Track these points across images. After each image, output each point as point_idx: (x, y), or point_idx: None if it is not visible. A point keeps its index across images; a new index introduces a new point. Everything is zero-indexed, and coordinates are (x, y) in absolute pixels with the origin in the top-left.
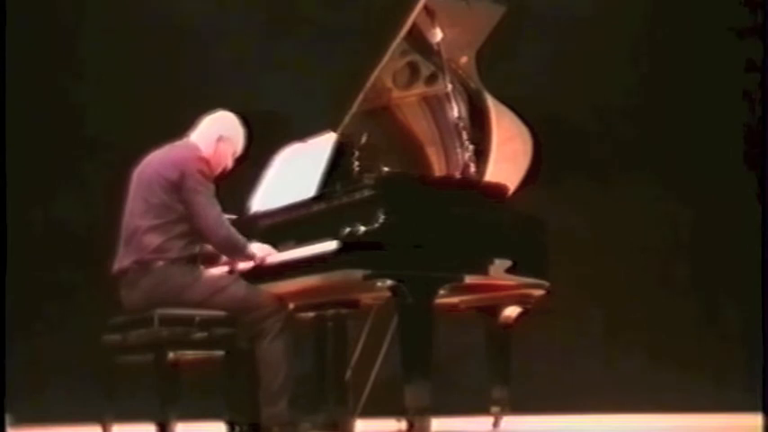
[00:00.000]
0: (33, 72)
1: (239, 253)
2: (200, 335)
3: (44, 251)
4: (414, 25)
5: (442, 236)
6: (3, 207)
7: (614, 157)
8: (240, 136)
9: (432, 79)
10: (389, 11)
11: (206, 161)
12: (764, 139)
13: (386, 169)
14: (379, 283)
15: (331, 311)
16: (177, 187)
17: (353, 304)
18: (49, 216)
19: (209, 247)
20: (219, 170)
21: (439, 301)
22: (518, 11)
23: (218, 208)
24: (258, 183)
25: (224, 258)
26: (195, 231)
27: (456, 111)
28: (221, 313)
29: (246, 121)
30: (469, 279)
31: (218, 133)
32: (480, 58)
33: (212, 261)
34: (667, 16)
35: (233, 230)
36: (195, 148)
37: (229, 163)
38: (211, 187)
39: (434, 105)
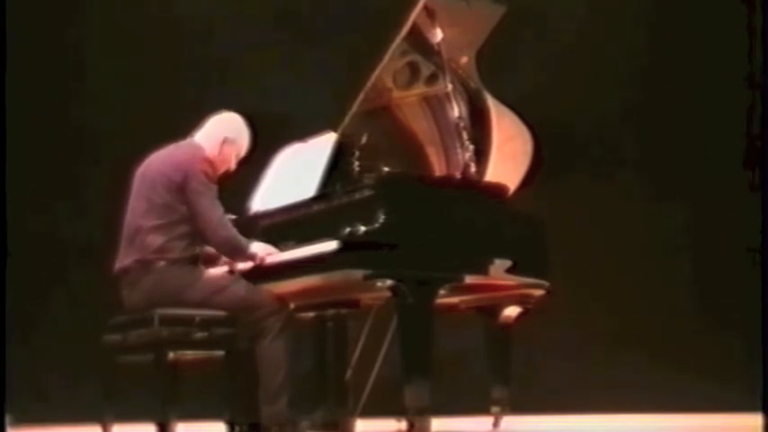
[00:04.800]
0: (34, 72)
1: (240, 254)
2: (200, 335)
3: (44, 251)
4: (414, 25)
5: (442, 236)
6: (3, 207)
7: (614, 156)
8: (245, 138)
9: (432, 79)
10: (389, 11)
11: (210, 162)
12: (765, 136)
13: (386, 169)
14: (379, 283)
15: (331, 311)
16: (180, 188)
17: (353, 304)
18: (49, 216)
19: (208, 248)
20: (222, 171)
21: (439, 301)
22: (517, 11)
23: (220, 209)
24: (258, 183)
25: (224, 259)
26: (197, 232)
27: (456, 111)
28: (221, 313)
29: (252, 123)
30: (469, 279)
31: (223, 135)
32: (480, 58)
33: (212, 261)
34: (665, 16)
35: (234, 232)
36: (199, 148)
37: (233, 165)
38: (214, 188)
39: (434, 105)
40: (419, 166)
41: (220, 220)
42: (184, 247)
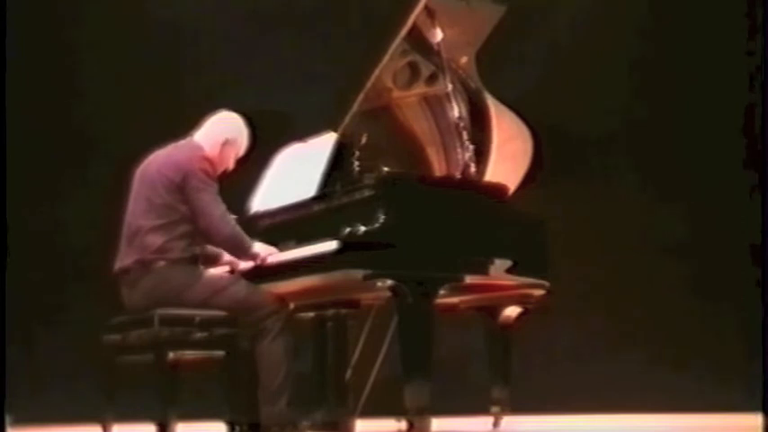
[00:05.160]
0: (33, 73)
1: (244, 251)
2: (200, 335)
3: (44, 251)
4: (414, 25)
5: (442, 236)
6: (3, 207)
7: (614, 156)
8: (244, 138)
9: (432, 79)
10: (389, 11)
11: (209, 161)
12: (765, 137)
13: (386, 169)
14: (379, 283)
15: (331, 311)
16: (180, 187)
17: (353, 304)
18: (49, 216)
19: (210, 248)
20: (221, 171)
21: (439, 301)
22: (517, 12)
23: (222, 206)
24: (258, 183)
25: (225, 258)
26: (199, 231)
27: (456, 111)
28: (221, 313)
29: (251, 122)
30: (469, 279)
31: (223, 136)
32: (480, 58)
33: (213, 261)
34: (665, 16)
35: (238, 228)
36: (199, 148)
37: (231, 164)
38: (215, 186)
39: (434, 105)
40: (419, 166)
41: (223, 216)
42: (184, 248)
